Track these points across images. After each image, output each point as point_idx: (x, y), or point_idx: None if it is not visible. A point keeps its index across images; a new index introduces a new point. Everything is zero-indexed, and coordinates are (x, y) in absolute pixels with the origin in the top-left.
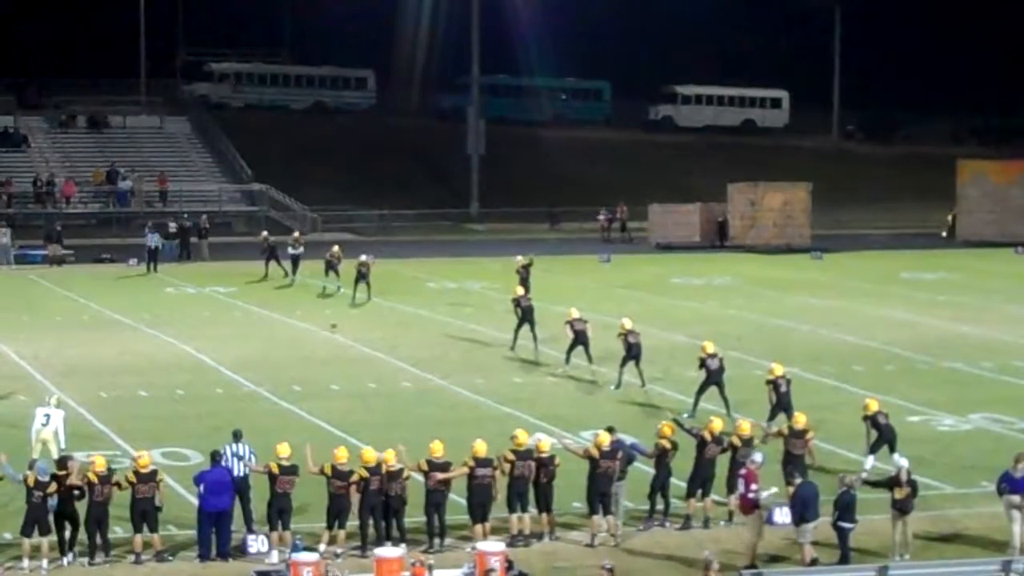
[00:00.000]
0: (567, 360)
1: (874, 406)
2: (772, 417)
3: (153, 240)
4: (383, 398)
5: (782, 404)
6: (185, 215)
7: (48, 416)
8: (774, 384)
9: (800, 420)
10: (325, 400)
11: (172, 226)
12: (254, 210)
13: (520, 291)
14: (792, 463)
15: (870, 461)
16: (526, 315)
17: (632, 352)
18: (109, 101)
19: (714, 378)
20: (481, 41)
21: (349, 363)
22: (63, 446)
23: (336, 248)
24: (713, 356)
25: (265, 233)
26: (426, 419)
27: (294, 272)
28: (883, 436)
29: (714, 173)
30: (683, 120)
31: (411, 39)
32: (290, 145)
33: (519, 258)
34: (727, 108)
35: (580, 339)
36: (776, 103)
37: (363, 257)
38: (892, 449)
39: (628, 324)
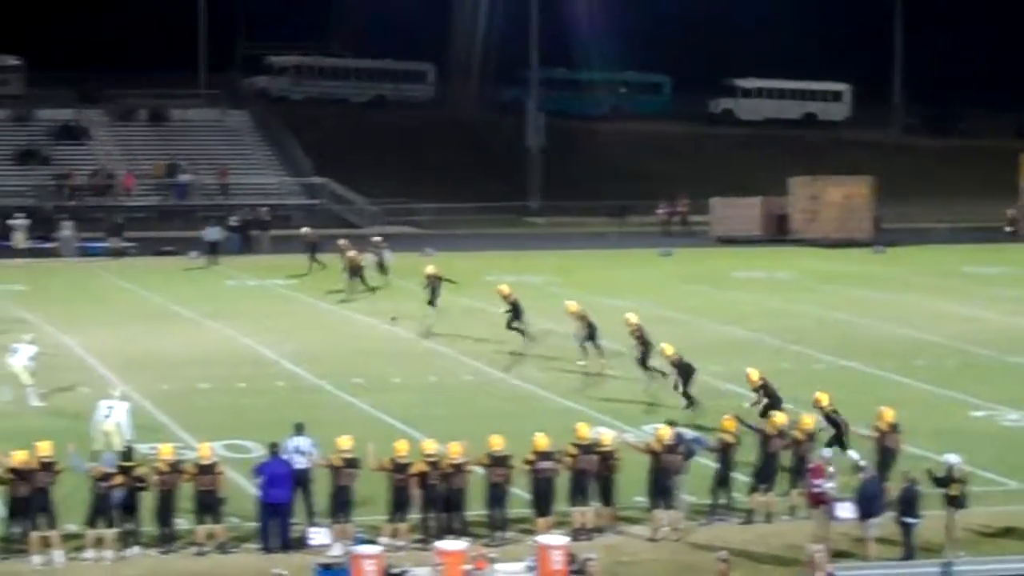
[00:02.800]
0: (600, 352)
1: (826, 400)
2: (764, 414)
3: (213, 233)
4: (444, 391)
5: (774, 403)
6: (246, 208)
7: (111, 408)
8: (764, 388)
9: (889, 414)
10: (386, 393)
11: (234, 219)
12: (314, 203)
13: (507, 289)
14: (887, 458)
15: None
16: (517, 309)
17: (647, 348)
18: (169, 94)
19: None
20: (540, 34)
21: (410, 356)
22: (129, 438)
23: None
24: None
25: (307, 229)
26: (487, 412)
27: (386, 274)
28: (840, 431)
29: (775, 167)
30: (743, 113)
31: (470, 32)
32: (350, 138)
33: (430, 268)
34: (788, 101)
35: (592, 331)
36: (836, 96)
37: (347, 250)
38: (844, 447)
39: (635, 319)
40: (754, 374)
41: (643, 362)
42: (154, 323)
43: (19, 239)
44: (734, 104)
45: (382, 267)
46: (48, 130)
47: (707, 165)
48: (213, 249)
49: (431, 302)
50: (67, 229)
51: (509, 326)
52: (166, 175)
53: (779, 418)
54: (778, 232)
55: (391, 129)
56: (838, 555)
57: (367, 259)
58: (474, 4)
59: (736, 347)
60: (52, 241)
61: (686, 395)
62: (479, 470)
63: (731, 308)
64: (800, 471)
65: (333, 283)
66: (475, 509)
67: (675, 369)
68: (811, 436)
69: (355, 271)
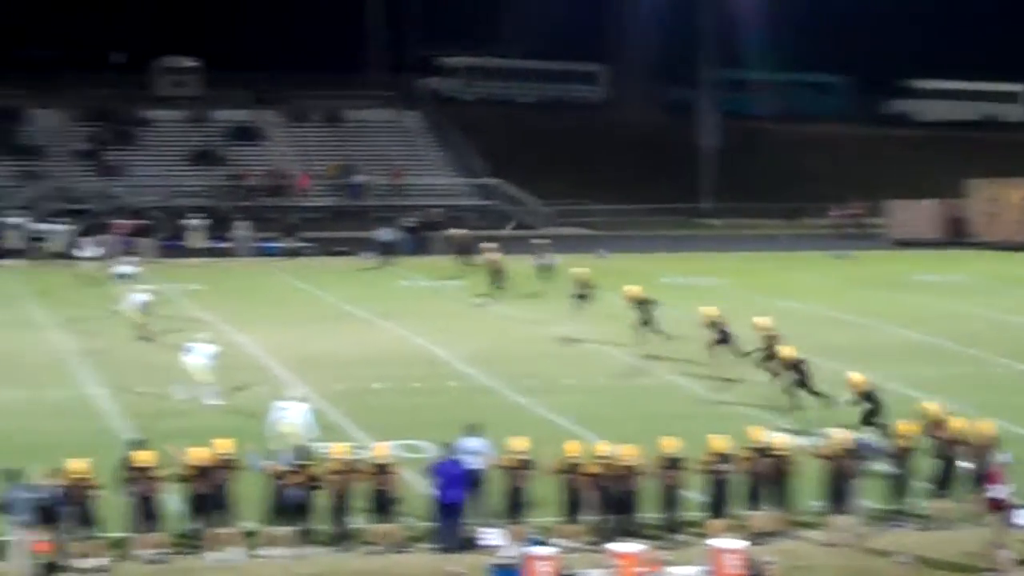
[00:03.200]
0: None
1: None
2: (866, 422)
3: (386, 234)
4: (615, 393)
5: (876, 409)
6: (421, 209)
7: (288, 408)
8: (868, 394)
9: None
10: (558, 395)
11: (408, 220)
12: (487, 204)
13: (636, 290)
14: None
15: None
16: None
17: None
18: (343, 96)
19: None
20: (711, 34)
21: (580, 358)
22: (313, 437)
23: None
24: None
25: (454, 231)
26: (658, 414)
27: (549, 278)
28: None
29: (951, 169)
30: (920, 115)
31: (641, 33)
32: (521, 139)
33: (577, 271)
34: (964, 103)
35: (724, 337)
36: (1012, 97)
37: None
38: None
39: (767, 323)
40: (858, 379)
41: (766, 364)
42: (328, 323)
43: (195, 238)
44: (910, 105)
45: (546, 270)
46: (224, 131)
47: (882, 167)
48: (386, 249)
49: (577, 297)
50: (242, 229)
51: (653, 328)
52: (340, 175)
53: (957, 423)
54: (956, 235)
55: (562, 130)
56: (1020, 563)
57: (530, 262)
58: (645, 5)
59: (912, 351)
60: (228, 241)
61: (816, 393)
62: (653, 472)
63: (907, 311)
64: (979, 477)
65: (483, 285)
66: (649, 512)
67: (790, 371)
68: (990, 441)
69: (495, 273)
